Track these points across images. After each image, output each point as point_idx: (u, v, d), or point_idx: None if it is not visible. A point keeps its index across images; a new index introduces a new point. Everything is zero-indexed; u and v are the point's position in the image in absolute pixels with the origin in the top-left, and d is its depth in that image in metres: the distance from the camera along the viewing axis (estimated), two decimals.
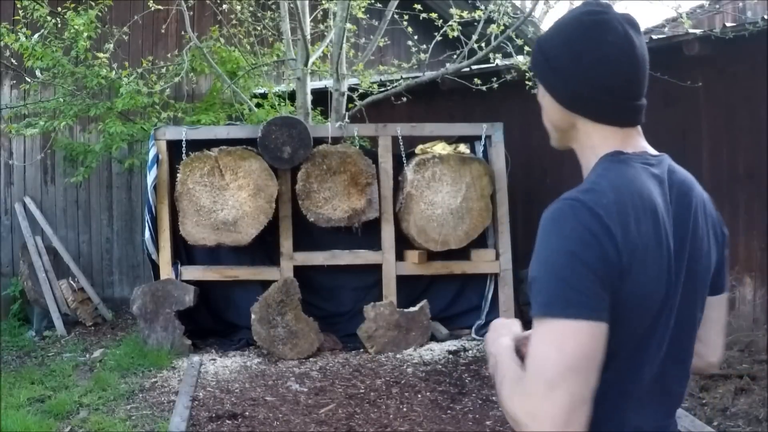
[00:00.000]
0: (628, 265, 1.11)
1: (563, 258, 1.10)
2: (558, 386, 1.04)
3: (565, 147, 1.35)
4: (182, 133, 5.96)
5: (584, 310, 1.07)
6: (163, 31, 7.09)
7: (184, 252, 6.13)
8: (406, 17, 7.04)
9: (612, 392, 1.17)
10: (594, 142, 1.27)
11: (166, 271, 5.91)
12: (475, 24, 6.63)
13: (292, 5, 6.34)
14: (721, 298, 1.38)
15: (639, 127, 1.29)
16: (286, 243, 6.00)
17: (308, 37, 6.40)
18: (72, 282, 6.76)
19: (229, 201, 5.77)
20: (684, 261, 1.22)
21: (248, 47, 7.33)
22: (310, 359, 5.55)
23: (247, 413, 4.40)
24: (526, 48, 6.58)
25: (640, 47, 1.24)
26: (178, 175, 5.79)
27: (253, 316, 5.64)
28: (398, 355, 5.63)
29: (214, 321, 6.19)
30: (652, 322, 1.18)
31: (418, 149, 6.30)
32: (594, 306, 1.07)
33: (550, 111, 1.31)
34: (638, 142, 1.27)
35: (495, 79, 6.49)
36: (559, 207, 1.15)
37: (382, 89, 6.94)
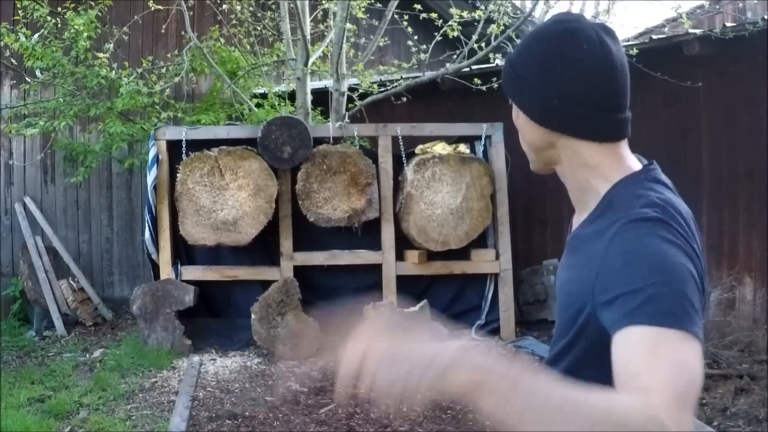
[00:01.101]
0: (702, 282, 1.04)
1: (680, 271, 0.98)
2: (690, 405, 0.88)
3: (548, 170, 1.27)
4: (182, 133, 5.96)
5: (701, 330, 0.96)
6: (163, 31, 7.09)
7: (184, 252, 6.14)
8: (406, 17, 7.04)
9: None
10: (588, 161, 1.17)
11: (166, 271, 5.91)
12: (475, 24, 6.63)
13: (292, 5, 6.34)
14: None
15: (625, 141, 1.20)
16: (286, 243, 6.00)
17: (308, 37, 6.40)
18: (72, 282, 6.76)
19: (229, 201, 5.77)
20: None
21: (248, 47, 7.33)
22: (310, 359, 5.55)
23: (247, 413, 4.40)
24: None
25: (617, 55, 1.14)
26: (178, 175, 5.79)
27: (253, 316, 5.64)
28: None
29: (214, 321, 6.19)
30: None
31: (418, 149, 6.30)
32: (701, 327, 0.97)
33: (526, 131, 1.22)
34: (632, 159, 1.20)
35: (495, 79, 6.47)
36: (649, 225, 1.03)
37: (382, 89, 6.94)
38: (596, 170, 1.18)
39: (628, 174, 1.16)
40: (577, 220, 1.26)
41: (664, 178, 1.17)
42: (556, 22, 1.17)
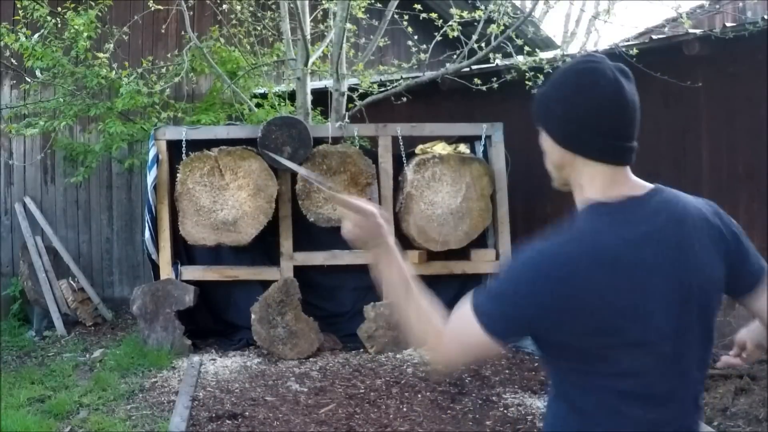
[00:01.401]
0: (561, 308, 1.31)
1: (506, 284, 1.39)
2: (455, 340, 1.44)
3: (566, 187, 1.48)
4: (182, 133, 5.96)
5: (493, 322, 1.37)
6: (163, 31, 7.09)
7: (184, 252, 6.14)
8: (406, 17, 7.04)
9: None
10: (582, 180, 1.41)
11: (166, 271, 5.91)
12: (475, 24, 6.63)
13: (292, 5, 6.34)
14: (760, 290, 1.49)
15: (627, 168, 1.41)
16: (286, 243, 6.00)
17: (308, 37, 6.40)
18: (72, 282, 6.76)
19: (229, 201, 5.77)
20: (691, 289, 1.35)
21: (248, 47, 7.33)
22: (310, 359, 5.55)
23: (247, 413, 4.40)
24: (526, 48, 6.58)
25: (629, 93, 1.36)
26: (178, 175, 5.79)
27: (253, 316, 5.64)
28: (398, 355, 5.63)
29: (214, 321, 6.19)
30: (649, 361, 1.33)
31: (418, 149, 6.30)
32: (499, 325, 1.39)
33: (550, 152, 1.45)
34: (622, 183, 1.39)
35: (495, 79, 6.49)
36: (529, 256, 1.38)
37: (382, 89, 6.94)
38: (583, 191, 1.42)
39: (590, 204, 1.39)
40: None
41: (620, 211, 1.36)
42: (581, 61, 1.41)
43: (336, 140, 6.15)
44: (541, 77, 5.91)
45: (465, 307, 1.41)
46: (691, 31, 5.34)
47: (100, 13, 6.25)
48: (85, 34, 6.04)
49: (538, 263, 1.34)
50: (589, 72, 1.37)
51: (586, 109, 1.35)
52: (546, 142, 1.45)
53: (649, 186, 1.43)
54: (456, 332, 1.42)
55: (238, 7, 7.16)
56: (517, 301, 1.34)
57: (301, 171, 3.25)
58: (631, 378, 1.34)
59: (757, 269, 1.52)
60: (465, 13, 6.66)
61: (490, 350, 1.40)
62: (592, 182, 1.39)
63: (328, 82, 7.00)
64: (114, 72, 6.20)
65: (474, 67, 6.61)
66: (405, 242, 6.12)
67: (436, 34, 6.82)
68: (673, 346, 1.34)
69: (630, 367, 1.33)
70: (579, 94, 1.36)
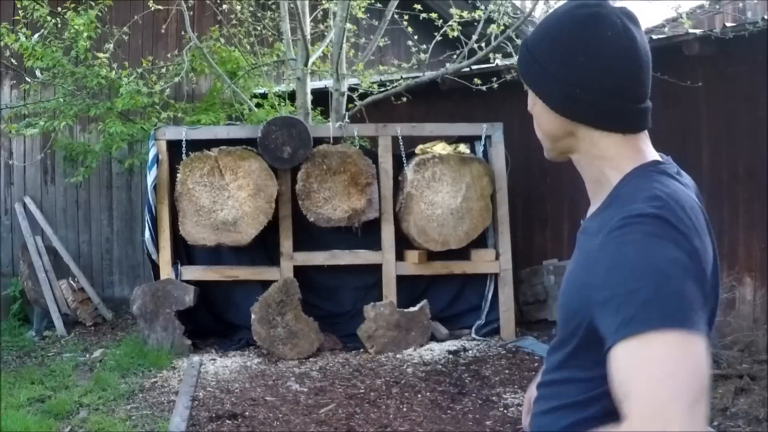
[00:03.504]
0: (707, 276, 1.04)
1: (676, 271, 0.96)
2: (700, 402, 0.89)
3: (563, 158, 1.24)
4: (182, 133, 5.96)
5: (700, 325, 0.95)
6: (163, 31, 7.09)
7: (184, 252, 6.13)
8: (406, 17, 7.04)
9: None
10: (605, 152, 1.14)
11: (166, 271, 5.91)
12: (475, 24, 6.63)
13: (292, 5, 6.34)
14: None
15: (646, 132, 1.18)
16: (286, 243, 6.00)
17: (308, 37, 6.40)
18: (72, 282, 6.76)
19: (229, 201, 5.77)
20: (717, 272, 1.13)
21: (248, 47, 7.32)
22: (310, 359, 5.55)
23: (247, 413, 4.40)
24: None
25: (641, 43, 1.12)
26: (178, 175, 5.79)
27: (253, 316, 5.64)
28: (398, 355, 5.63)
29: (214, 321, 6.19)
30: None
31: (418, 149, 6.30)
32: (701, 324, 0.96)
33: (543, 119, 1.20)
34: (650, 147, 1.17)
35: (495, 79, 6.48)
36: (646, 223, 1.00)
37: (382, 89, 6.94)
38: (612, 161, 1.15)
39: (639, 165, 1.13)
40: (590, 212, 1.23)
41: (673, 171, 1.16)
42: (579, 6, 1.13)
43: (336, 140, 6.15)
44: None
45: (635, 357, 0.93)
46: (691, 31, 5.33)
47: (100, 13, 6.24)
48: (85, 34, 6.04)
49: (669, 231, 1.00)
50: (592, 20, 1.10)
51: (592, 67, 1.09)
52: (537, 106, 1.20)
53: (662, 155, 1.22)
54: (662, 383, 0.90)
55: (238, 7, 7.16)
56: (688, 276, 0.97)
57: None
58: None
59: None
60: (465, 13, 6.66)
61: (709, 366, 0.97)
62: (624, 151, 1.14)
63: (328, 82, 7.00)
64: (114, 72, 6.20)
65: (474, 67, 6.60)
66: (405, 242, 6.12)
67: (436, 34, 6.81)
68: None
69: None
70: (582, 48, 1.10)
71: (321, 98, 7.00)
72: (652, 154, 1.17)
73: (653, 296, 0.93)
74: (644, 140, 1.17)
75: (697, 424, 0.87)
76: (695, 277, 0.98)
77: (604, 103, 1.11)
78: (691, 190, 1.15)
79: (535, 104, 1.21)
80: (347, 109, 6.59)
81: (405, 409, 4.49)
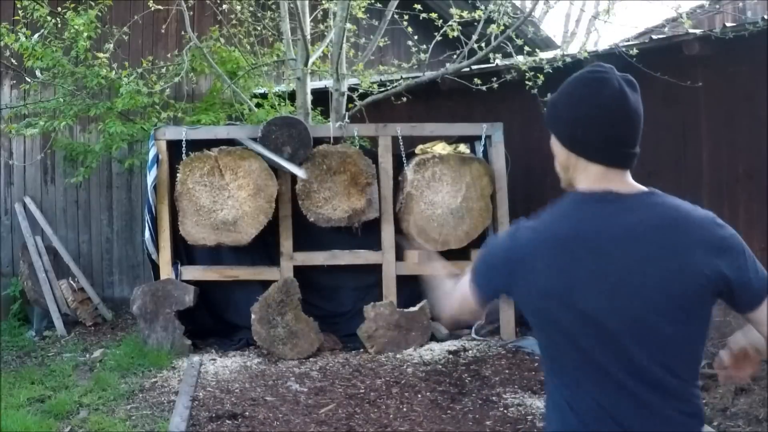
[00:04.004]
0: (523, 272, 1.49)
1: (489, 248, 1.64)
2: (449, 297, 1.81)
3: (572, 188, 1.57)
4: (182, 133, 5.96)
5: (478, 278, 1.61)
6: (163, 31, 7.09)
7: (184, 252, 6.13)
8: (406, 17, 7.04)
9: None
10: (577, 176, 1.53)
11: (166, 271, 5.91)
12: (475, 24, 6.62)
13: (292, 5, 6.34)
14: (759, 312, 1.44)
15: (626, 172, 1.50)
16: (286, 243, 6.00)
17: (308, 37, 6.40)
18: (72, 282, 6.76)
19: (229, 201, 5.77)
20: (633, 284, 1.40)
21: (248, 47, 7.33)
22: (310, 359, 5.55)
23: (247, 413, 4.40)
24: (526, 48, 6.58)
25: (633, 102, 1.46)
26: (177, 175, 5.79)
27: (253, 316, 5.64)
28: (398, 355, 5.63)
29: (214, 321, 6.19)
30: (583, 333, 1.43)
31: (418, 149, 6.30)
32: (482, 279, 1.61)
33: (558, 152, 1.57)
34: (613, 182, 1.49)
35: (495, 79, 6.48)
36: (515, 223, 1.59)
37: (382, 89, 6.94)
38: (576, 183, 1.54)
39: (574, 192, 1.54)
40: None
41: (595, 198, 1.48)
42: (591, 71, 1.51)
43: (336, 140, 6.15)
44: (541, 77, 5.91)
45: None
46: (691, 31, 5.34)
47: (100, 13, 6.24)
48: (85, 34, 6.04)
49: (513, 232, 1.57)
50: (596, 81, 1.47)
51: (590, 115, 1.46)
52: (555, 144, 1.57)
53: (643, 189, 1.50)
54: (460, 286, 1.68)
55: (238, 7, 7.16)
56: (495, 260, 1.58)
57: None
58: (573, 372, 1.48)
59: (760, 289, 1.44)
60: (465, 13, 6.66)
61: (472, 304, 1.64)
62: (585, 177, 1.51)
63: (328, 82, 7.00)
64: (114, 72, 6.19)
65: (474, 67, 6.60)
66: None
67: (436, 34, 6.81)
68: (613, 334, 1.42)
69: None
70: (585, 101, 1.47)
71: (321, 98, 7.00)
72: (608, 187, 1.49)
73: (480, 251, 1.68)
74: (615, 176, 1.49)
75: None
76: (491, 258, 1.61)
77: (595, 142, 1.48)
78: (613, 218, 1.45)
79: (554, 143, 1.58)
80: (347, 109, 6.59)
81: (405, 409, 4.49)
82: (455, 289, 1.72)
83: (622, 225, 1.44)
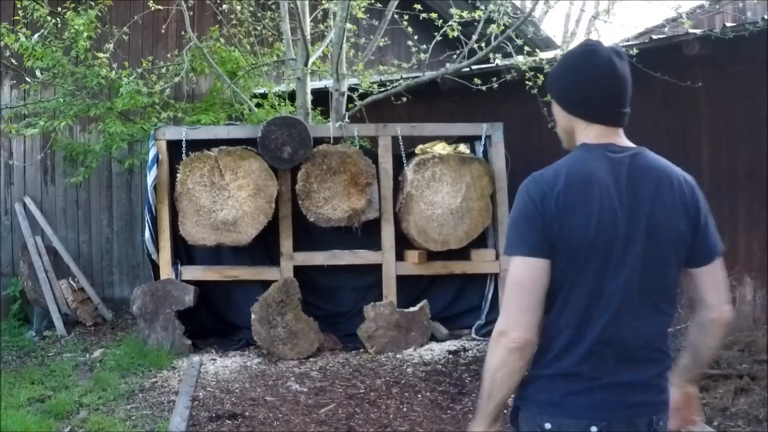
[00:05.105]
0: (554, 212, 1.59)
1: (516, 214, 1.65)
2: (514, 296, 1.62)
3: (571, 148, 1.75)
4: (182, 133, 5.96)
5: (527, 248, 1.61)
6: (163, 31, 7.09)
7: (184, 252, 6.13)
8: (406, 17, 7.04)
9: (570, 352, 1.62)
10: (579, 137, 1.73)
11: (166, 271, 5.91)
12: (475, 24, 6.62)
13: (292, 5, 6.34)
14: (713, 266, 1.74)
15: (620, 130, 1.72)
16: (286, 243, 6.00)
17: (308, 37, 6.40)
18: (72, 282, 6.76)
19: (229, 201, 5.77)
20: (637, 222, 1.62)
21: (248, 47, 7.33)
22: (310, 359, 5.55)
23: (247, 413, 4.40)
24: (526, 48, 6.58)
25: (621, 69, 1.69)
26: (177, 175, 5.79)
27: (253, 316, 5.64)
28: (398, 355, 5.63)
29: (214, 321, 6.19)
30: (592, 265, 1.60)
31: (418, 149, 6.30)
32: (532, 247, 1.60)
33: (560, 118, 1.77)
34: (612, 138, 1.70)
35: (495, 79, 6.48)
36: (526, 180, 1.68)
37: (382, 89, 6.94)
38: (578, 143, 1.73)
39: (584, 143, 1.72)
40: None
41: (598, 149, 1.67)
42: (584, 44, 1.76)
43: (336, 140, 6.15)
44: (541, 77, 5.91)
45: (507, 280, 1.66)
46: (691, 31, 5.33)
47: (100, 13, 6.24)
48: (85, 34, 6.04)
49: (531, 185, 1.65)
50: (589, 52, 1.71)
51: (586, 81, 1.68)
52: (557, 110, 1.78)
53: (636, 146, 1.73)
54: (508, 295, 1.63)
55: (238, 7, 7.16)
56: (527, 218, 1.62)
57: None
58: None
59: (714, 250, 1.74)
60: (465, 13, 6.65)
61: (545, 276, 1.60)
62: (587, 134, 1.71)
63: (328, 82, 7.00)
64: (114, 72, 6.19)
65: (474, 67, 6.60)
66: (405, 242, 6.12)
67: (436, 34, 6.81)
68: (616, 263, 1.61)
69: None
70: (581, 68, 1.70)
71: (321, 98, 7.00)
72: (609, 141, 1.70)
73: (508, 225, 1.69)
74: (613, 133, 1.71)
75: (509, 308, 1.65)
76: (528, 213, 1.62)
77: (590, 103, 1.70)
78: (617, 165, 1.65)
79: (556, 109, 1.78)
80: (347, 109, 6.59)
81: (405, 409, 4.49)
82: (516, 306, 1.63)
83: (629, 171, 1.65)
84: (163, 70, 6.81)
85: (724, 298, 1.76)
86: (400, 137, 6.10)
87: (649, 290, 1.64)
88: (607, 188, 1.61)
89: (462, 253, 6.13)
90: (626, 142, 1.72)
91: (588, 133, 1.70)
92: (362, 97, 6.85)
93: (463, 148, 6.36)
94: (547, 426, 1.61)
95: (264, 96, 7.30)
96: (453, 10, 6.77)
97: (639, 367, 1.63)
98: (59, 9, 6.15)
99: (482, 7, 6.81)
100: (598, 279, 1.60)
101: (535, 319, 1.59)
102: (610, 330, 1.61)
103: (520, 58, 6.26)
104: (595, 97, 1.68)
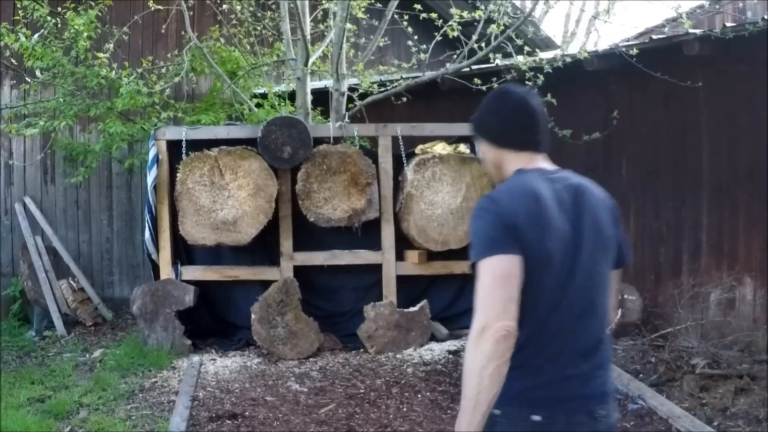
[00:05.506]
0: (519, 228, 1.72)
1: (481, 226, 1.77)
2: (494, 290, 1.68)
3: (501, 180, 1.95)
4: (182, 133, 5.96)
5: (500, 247, 1.71)
6: (163, 31, 7.09)
7: (184, 252, 6.13)
8: (406, 17, 7.04)
9: (529, 345, 1.73)
10: (510, 166, 1.93)
11: (166, 271, 5.91)
12: (475, 24, 6.62)
13: (292, 5, 6.34)
14: (618, 272, 2.00)
15: (543, 155, 1.94)
16: (286, 243, 6.00)
17: (308, 37, 6.40)
18: (72, 282, 6.76)
19: (229, 201, 5.77)
20: (582, 232, 1.80)
21: (248, 47, 7.33)
22: (310, 359, 5.55)
23: (247, 413, 4.40)
24: (526, 48, 6.58)
25: (534, 104, 1.92)
26: (177, 174, 5.79)
27: (253, 316, 5.64)
28: (398, 355, 5.63)
29: (214, 321, 6.19)
30: (552, 271, 1.75)
31: (418, 149, 6.30)
32: (505, 245, 1.70)
33: (488, 154, 1.99)
34: (539, 163, 1.91)
35: (495, 79, 6.48)
36: (480, 202, 1.83)
37: (382, 89, 6.94)
38: (510, 169, 1.92)
39: (519, 169, 1.90)
40: None
41: (544, 174, 1.87)
42: (499, 90, 2.01)
43: (336, 140, 6.15)
44: (541, 77, 5.91)
45: (477, 284, 1.72)
46: (691, 31, 5.33)
47: (100, 13, 6.24)
48: (85, 34, 6.03)
49: (489, 204, 1.79)
50: (505, 94, 1.97)
51: (505, 116, 1.93)
52: (485, 148, 2.00)
53: (558, 167, 1.93)
54: (486, 293, 1.69)
55: (238, 7, 7.16)
56: (495, 227, 1.74)
57: None
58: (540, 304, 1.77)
59: (626, 257, 2.00)
60: (465, 13, 6.65)
61: (521, 271, 1.70)
62: (516, 162, 1.91)
63: (328, 82, 6.99)
64: (114, 72, 6.19)
65: (474, 67, 6.60)
66: (405, 242, 6.12)
67: (436, 34, 6.81)
68: (567, 271, 1.78)
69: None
70: (500, 108, 1.95)
71: (321, 98, 7.00)
72: (537, 166, 1.90)
73: (474, 243, 1.76)
74: (537, 159, 1.92)
75: (493, 302, 1.70)
76: (493, 224, 1.74)
77: (511, 134, 1.93)
78: (549, 184, 1.83)
79: (484, 150, 2.01)
80: (347, 109, 6.59)
81: (405, 409, 4.49)
82: (492, 299, 1.70)
83: (567, 189, 1.84)
84: (163, 70, 6.81)
85: (615, 303, 2.00)
86: (400, 137, 6.10)
87: (596, 290, 1.83)
88: (554, 204, 1.78)
89: (462, 253, 6.11)
90: (551, 166, 1.94)
91: (517, 161, 1.91)
92: (362, 97, 6.85)
93: (463, 148, 6.36)
94: (496, 412, 1.73)
95: (264, 96, 7.30)
96: (453, 10, 6.77)
97: (587, 360, 1.78)
98: (59, 9, 6.15)
99: (482, 7, 6.80)
100: (557, 282, 1.75)
101: (517, 310, 1.67)
102: (566, 327, 1.77)
103: (520, 58, 6.25)
104: (515, 129, 1.91)
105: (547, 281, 1.74)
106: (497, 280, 1.67)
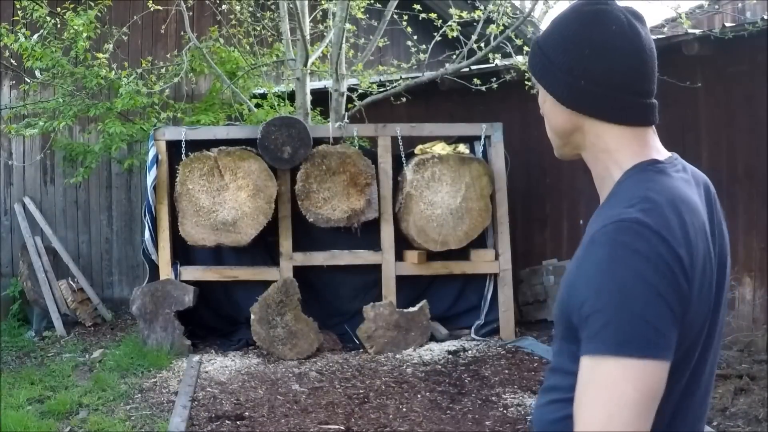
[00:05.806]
0: (692, 292, 1.02)
1: (640, 290, 0.98)
2: (630, 418, 0.96)
3: (573, 156, 1.23)
4: (182, 133, 5.95)
5: (660, 350, 0.98)
6: (162, 31, 7.09)
7: (184, 252, 6.13)
8: (405, 17, 7.04)
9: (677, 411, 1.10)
10: (609, 145, 1.14)
11: (165, 272, 5.90)
12: (475, 24, 6.63)
13: (291, 5, 6.34)
14: None
15: (653, 128, 1.17)
16: (286, 243, 6.00)
17: (308, 37, 6.40)
18: (71, 282, 6.76)
19: (229, 201, 5.77)
20: (725, 272, 1.16)
21: (248, 47, 7.32)
22: (310, 359, 5.55)
23: (246, 413, 4.40)
24: (526, 48, 6.57)
25: (646, 40, 1.13)
26: (177, 175, 5.79)
27: (252, 317, 5.64)
28: (398, 356, 5.63)
29: (213, 321, 6.19)
30: (703, 340, 1.10)
31: (417, 149, 6.30)
32: (667, 346, 0.99)
33: (552, 114, 1.20)
34: (659, 145, 1.16)
35: (494, 79, 6.49)
36: (623, 230, 1.00)
37: (382, 89, 6.94)
38: (615, 156, 1.14)
39: (638, 162, 1.13)
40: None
41: (674, 169, 1.15)
42: (586, 3, 1.15)
43: (335, 140, 6.15)
44: None
45: (590, 375, 1.00)
46: (690, 31, 5.34)
47: (99, 14, 6.24)
48: (85, 35, 6.03)
49: (649, 237, 1.00)
50: (598, 15, 1.13)
51: (597, 60, 1.11)
52: (546, 102, 1.20)
53: (671, 153, 1.20)
54: (614, 417, 0.96)
55: (238, 8, 7.16)
56: (665, 296, 0.99)
57: None
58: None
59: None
60: (464, 14, 6.66)
61: (664, 385, 1.00)
62: (628, 145, 1.14)
63: (327, 83, 6.99)
64: (113, 72, 6.19)
65: (473, 67, 6.61)
66: (404, 242, 6.12)
67: (435, 34, 6.82)
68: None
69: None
70: (588, 41, 1.12)
71: (320, 98, 7.00)
72: (657, 151, 1.16)
73: (614, 318, 0.98)
74: (650, 136, 1.16)
75: None
76: (664, 291, 0.99)
77: (608, 95, 1.12)
78: (695, 187, 1.15)
79: (545, 101, 1.21)
80: (347, 110, 6.59)
81: (405, 409, 4.49)
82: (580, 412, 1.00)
83: (707, 199, 1.18)
84: (163, 71, 6.81)
85: None
86: (399, 137, 6.09)
87: (714, 364, 1.17)
88: (709, 235, 1.10)
89: (461, 254, 6.13)
90: (665, 151, 1.19)
91: (628, 144, 1.14)
92: (362, 97, 6.85)
93: (462, 148, 6.36)
94: None
95: (263, 96, 7.30)
96: (452, 10, 6.78)
97: None
98: (59, 9, 6.15)
99: (482, 8, 6.80)
100: (694, 367, 1.10)
101: None
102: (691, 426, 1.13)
103: (519, 58, 6.26)
104: (615, 84, 1.12)
105: (685, 370, 1.08)
106: (638, 405, 0.96)
